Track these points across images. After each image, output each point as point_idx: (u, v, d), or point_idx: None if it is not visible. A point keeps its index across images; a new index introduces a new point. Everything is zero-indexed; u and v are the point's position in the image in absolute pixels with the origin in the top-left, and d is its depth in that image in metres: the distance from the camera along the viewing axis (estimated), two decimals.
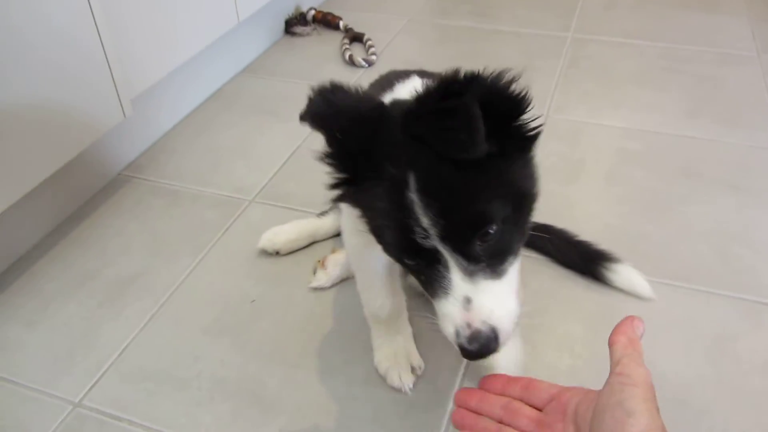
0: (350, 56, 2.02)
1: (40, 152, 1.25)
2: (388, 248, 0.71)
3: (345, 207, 0.90)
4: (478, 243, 0.67)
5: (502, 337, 0.67)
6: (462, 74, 0.65)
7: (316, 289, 1.23)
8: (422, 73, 0.91)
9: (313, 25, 2.23)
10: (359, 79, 1.96)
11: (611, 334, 0.64)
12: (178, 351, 1.14)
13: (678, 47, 2.08)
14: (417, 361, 1.07)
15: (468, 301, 0.67)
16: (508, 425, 0.68)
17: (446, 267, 0.67)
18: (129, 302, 1.23)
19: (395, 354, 1.06)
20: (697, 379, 1.05)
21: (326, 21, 2.22)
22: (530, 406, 0.69)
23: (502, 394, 0.72)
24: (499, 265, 0.69)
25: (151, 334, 1.17)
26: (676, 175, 1.50)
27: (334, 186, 0.73)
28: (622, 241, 1.27)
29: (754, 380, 1.04)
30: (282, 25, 2.21)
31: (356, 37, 2.15)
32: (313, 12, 2.24)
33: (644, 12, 2.34)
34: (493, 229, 0.66)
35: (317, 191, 1.47)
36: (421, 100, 0.66)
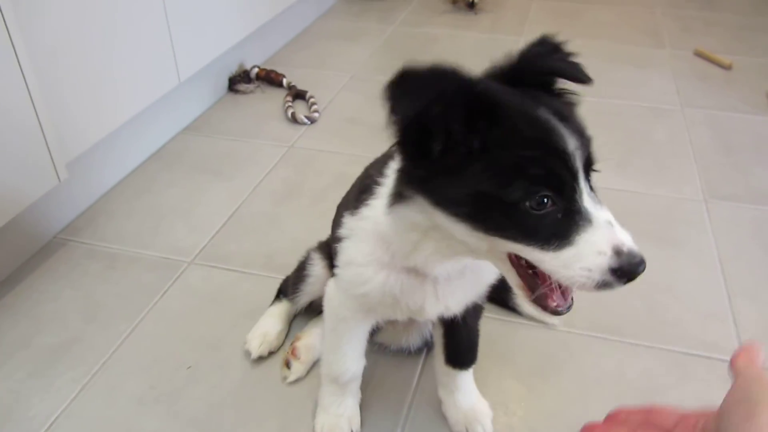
0: (293, 114, 2.05)
1: None
2: (527, 183, 0.66)
3: (337, 277, 0.91)
4: (590, 178, 0.71)
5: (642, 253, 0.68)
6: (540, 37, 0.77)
7: (293, 382, 1.17)
8: None
9: (256, 83, 2.26)
10: (302, 136, 1.99)
11: (732, 357, 0.65)
12: (110, 423, 1.11)
13: (608, 101, 2.18)
14: (357, 426, 1.07)
15: (610, 224, 0.68)
16: None
17: (581, 197, 0.68)
18: (61, 372, 1.20)
19: (338, 417, 1.06)
20: None
21: (269, 78, 2.26)
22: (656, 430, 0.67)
23: (624, 423, 0.71)
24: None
25: (82, 405, 1.14)
26: None
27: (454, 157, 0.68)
28: None
29: None
30: (225, 83, 2.23)
31: (299, 95, 2.18)
32: (256, 69, 2.27)
33: None
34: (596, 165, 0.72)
35: (257, 251, 1.50)
36: (523, 52, 0.75)
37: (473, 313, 1.01)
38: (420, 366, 1.21)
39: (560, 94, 0.77)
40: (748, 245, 1.51)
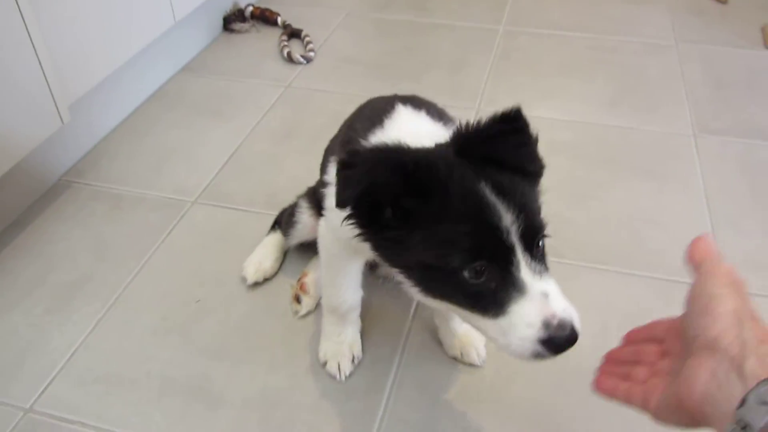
0: (288, 53, 2.05)
1: None
2: (461, 255, 0.71)
3: (326, 218, 0.96)
4: (537, 245, 0.74)
5: (577, 323, 0.71)
6: (511, 110, 0.78)
7: (304, 315, 1.23)
8: (403, 99, 0.98)
9: (251, 22, 2.25)
10: (298, 76, 2.00)
11: (687, 250, 0.67)
12: (127, 352, 1.18)
13: (604, 37, 2.18)
14: (358, 352, 1.14)
15: (545, 295, 0.71)
16: (638, 363, 0.71)
17: (518, 268, 0.71)
18: (76, 307, 1.26)
19: (340, 344, 1.13)
20: None
21: (264, 17, 2.25)
22: (655, 342, 0.72)
23: (633, 342, 0.75)
24: (548, 269, 0.75)
25: (99, 337, 1.21)
26: (599, 163, 1.60)
27: (379, 231, 0.77)
28: None
29: None
30: (220, 22, 2.22)
31: (294, 33, 2.18)
32: (251, 8, 2.26)
33: (573, 3, 2.43)
34: (546, 233, 0.75)
35: (258, 189, 1.55)
36: (484, 125, 0.77)
37: None
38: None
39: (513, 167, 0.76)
40: (734, 178, 1.56)
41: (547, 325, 0.70)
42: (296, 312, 1.24)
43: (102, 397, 1.10)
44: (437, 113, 0.99)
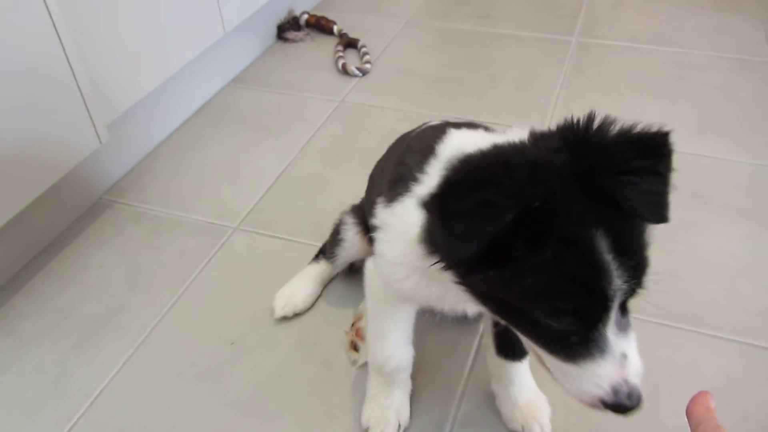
0: (344, 65, 1.94)
1: (9, 188, 1.19)
2: (553, 311, 0.63)
3: (377, 254, 0.85)
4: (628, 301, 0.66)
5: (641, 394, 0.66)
6: (655, 131, 0.65)
7: (363, 365, 1.09)
8: (455, 125, 0.86)
9: (306, 30, 2.15)
10: (353, 90, 1.88)
11: (688, 405, 0.66)
12: (153, 399, 1.08)
13: (687, 52, 1.98)
14: (405, 420, 1.01)
15: (624, 357, 0.65)
16: None
17: (605, 325, 0.64)
18: (104, 343, 1.18)
19: (386, 408, 1.01)
20: None
21: (320, 25, 2.14)
22: None
23: None
24: (630, 324, 0.68)
25: (125, 379, 1.12)
26: (684, 201, 1.41)
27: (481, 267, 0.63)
28: None
29: None
30: (274, 31, 2.13)
31: (350, 43, 2.07)
32: (306, 16, 2.15)
33: (652, 12, 2.24)
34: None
35: (304, 216, 1.44)
36: (614, 153, 0.62)
37: None
38: (473, 352, 1.13)
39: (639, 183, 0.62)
40: None
41: (615, 391, 0.65)
42: (354, 362, 1.12)
43: None
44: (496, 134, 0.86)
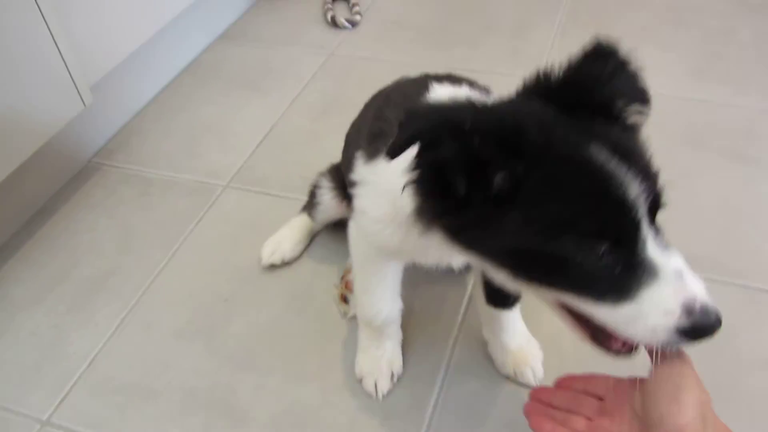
0: (332, 17, 1.90)
1: None
2: (580, 240, 0.57)
3: (358, 211, 0.82)
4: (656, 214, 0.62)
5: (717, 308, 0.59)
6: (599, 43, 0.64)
7: (354, 317, 1.07)
8: (437, 78, 0.83)
9: None
10: (342, 42, 1.84)
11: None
12: (149, 358, 1.09)
13: None
14: (398, 368, 1.02)
15: (680, 275, 0.59)
16: (575, 413, 0.72)
17: (645, 246, 0.59)
18: (98, 307, 1.18)
19: (378, 359, 1.01)
20: None
21: None
22: (593, 396, 0.73)
23: (569, 389, 0.77)
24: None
25: (121, 340, 1.12)
26: (680, 146, 1.39)
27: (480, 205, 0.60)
28: None
29: (752, 379, 0.98)
30: None
31: None
32: None
33: None
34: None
35: (294, 172, 1.42)
36: (575, 65, 0.63)
37: None
38: (465, 300, 1.13)
39: (619, 115, 0.64)
40: None
41: (689, 311, 0.58)
42: (345, 314, 1.12)
43: (121, 409, 1.02)
44: (480, 89, 0.84)
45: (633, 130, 0.65)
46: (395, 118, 0.76)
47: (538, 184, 0.58)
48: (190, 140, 1.54)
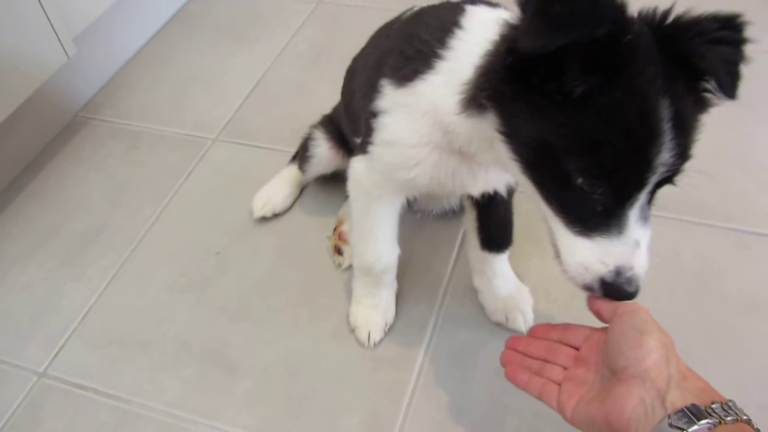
0: None
1: None
2: (590, 166, 0.61)
3: (383, 143, 0.81)
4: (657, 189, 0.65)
5: (640, 282, 0.66)
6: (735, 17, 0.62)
7: (348, 267, 1.10)
8: (471, 1, 0.80)
9: None
10: None
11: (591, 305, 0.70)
12: (142, 311, 1.10)
13: None
14: (391, 318, 1.03)
15: (637, 245, 0.65)
16: (551, 362, 0.74)
17: (632, 206, 0.63)
18: (91, 260, 1.19)
19: (372, 309, 1.02)
20: (679, 321, 1.00)
21: None
22: (569, 346, 0.75)
23: (545, 339, 0.78)
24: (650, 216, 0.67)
25: (114, 294, 1.14)
26: None
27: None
28: None
29: (739, 321, 0.99)
30: None
31: None
32: None
33: None
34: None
35: (284, 123, 1.41)
36: (698, 24, 0.61)
37: (510, 189, 0.93)
38: (456, 250, 1.14)
39: (700, 88, 0.64)
40: None
41: (618, 272, 0.65)
42: (339, 264, 1.13)
43: (116, 361, 1.04)
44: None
45: (701, 106, 0.65)
46: (434, 39, 0.75)
47: (602, 103, 0.59)
48: (178, 92, 1.52)
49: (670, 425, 0.56)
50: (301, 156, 1.18)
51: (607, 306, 0.69)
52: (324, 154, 1.12)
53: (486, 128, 0.68)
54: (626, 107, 0.59)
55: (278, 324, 1.06)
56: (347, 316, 1.04)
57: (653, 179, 0.61)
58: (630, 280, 0.65)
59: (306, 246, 1.17)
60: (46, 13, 1.23)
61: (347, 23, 1.68)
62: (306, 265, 1.14)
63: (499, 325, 1.02)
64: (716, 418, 0.56)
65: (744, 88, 1.40)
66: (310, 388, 0.98)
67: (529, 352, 0.77)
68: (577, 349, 0.74)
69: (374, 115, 0.80)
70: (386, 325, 1.02)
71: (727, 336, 0.98)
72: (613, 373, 0.65)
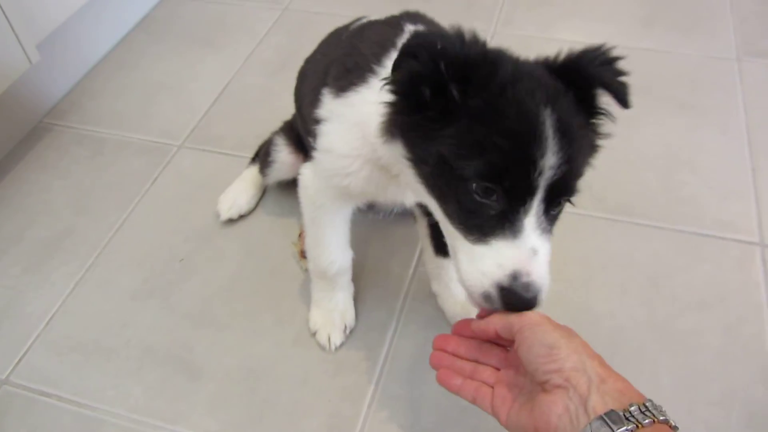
0: None
1: None
2: (480, 167, 0.63)
3: (322, 150, 0.84)
4: (557, 204, 0.67)
5: (543, 296, 0.66)
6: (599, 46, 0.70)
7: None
8: (411, 18, 0.87)
9: None
10: None
11: (488, 326, 0.70)
12: (106, 317, 1.11)
13: None
14: (351, 321, 1.05)
15: (534, 252, 0.65)
16: (482, 363, 0.73)
17: (526, 213, 0.65)
18: (55, 266, 1.19)
19: (331, 311, 1.04)
20: (630, 320, 1.04)
21: None
22: (499, 345, 0.74)
23: (474, 338, 0.76)
24: (551, 232, 0.68)
25: (78, 300, 1.14)
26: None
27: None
28: None
29: (687, 319, 1.03)
30: None
31: None
32: None
33: None
34: (573, 197, 0.68)
35: (249, 130, 1.42)
36: (587, 53, 0.69)
37: None
38: (416, 255, 1.16)
39: (595, 113, 0.71)
40: None
41: (515, 276, 0.64)
42: (306, 270, 1.13)
43: (79, 367, 1.04)
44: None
45: (592, 128, 0.70)
46: (371, 54, 0.80)
47: (479, 106, 0.63)
48: (144, 99, 1.53)
49: None
50: (263, 161, 1.20)
51: (500, 320, 0.68)
52: (285, 159, 1.14)
53: (398, 155, 0.71)
54: (502, 110, 0.63)
55: (241, 329, 1.07)
56: (308, 320, 1.06)
57: (542, 182, 0.63)
58: (527, 286, 0.64)
59: (269, 251, 1.18)
60: (8, 19, 1.23)
61: (313, 30, 1.68)
62: (269, 271, 1.15)
63: None
64: (633, 423, 0.57)
65: (696, 94, 1.47)
66: (273, 392, 0.99)
67: (460, 353, 0.75)
68: (506, 348, 0.73)
69: (317, 122, 0.84)
70: (346, 327, 1.04)
71: (677, 334, 1.02)
72: (537, 383, 0.64)
